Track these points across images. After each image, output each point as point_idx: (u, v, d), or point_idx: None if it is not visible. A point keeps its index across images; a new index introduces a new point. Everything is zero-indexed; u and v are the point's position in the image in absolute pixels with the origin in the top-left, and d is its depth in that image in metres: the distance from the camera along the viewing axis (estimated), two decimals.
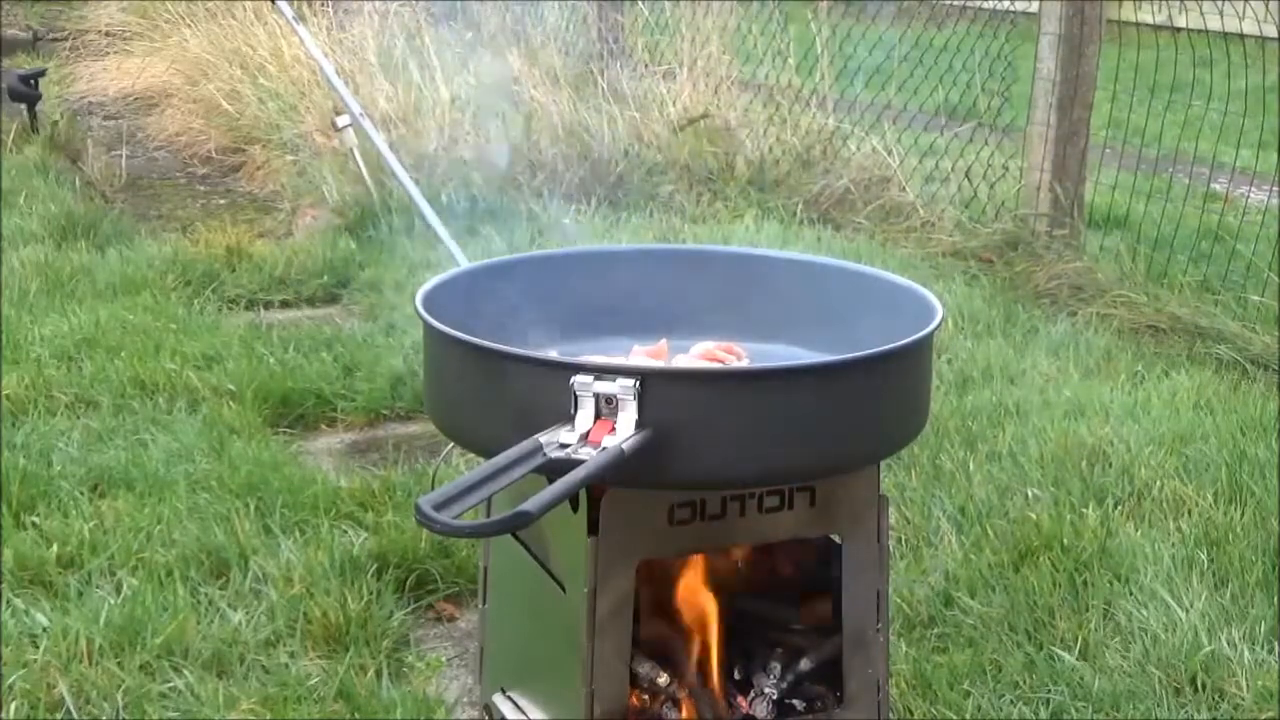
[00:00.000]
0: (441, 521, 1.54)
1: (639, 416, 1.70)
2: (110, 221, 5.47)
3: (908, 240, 5.30)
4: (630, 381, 1.70)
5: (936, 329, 1.92)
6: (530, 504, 1.56)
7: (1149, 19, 5.51)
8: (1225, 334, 4.36)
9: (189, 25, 7.98)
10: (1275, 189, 5.06)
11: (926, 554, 3.01)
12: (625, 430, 1.70)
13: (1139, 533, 3.07)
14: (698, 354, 2.11)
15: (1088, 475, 3.33)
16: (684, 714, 2.02)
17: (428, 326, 1.91)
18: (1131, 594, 2.83)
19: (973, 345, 4.23)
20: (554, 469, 1.67)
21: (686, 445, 1.72)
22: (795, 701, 2.06)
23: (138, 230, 5.53)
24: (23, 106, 6.91)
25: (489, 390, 1.82)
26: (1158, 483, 3.29)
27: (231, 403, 3.75)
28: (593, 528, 1.84)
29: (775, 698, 2.04)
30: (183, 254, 5.03)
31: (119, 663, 2.56)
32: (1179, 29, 5.15)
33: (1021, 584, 2.87)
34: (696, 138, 6.08)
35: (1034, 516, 3.11)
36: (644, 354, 2.10)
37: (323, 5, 7.14)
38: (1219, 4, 5.03)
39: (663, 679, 2.03)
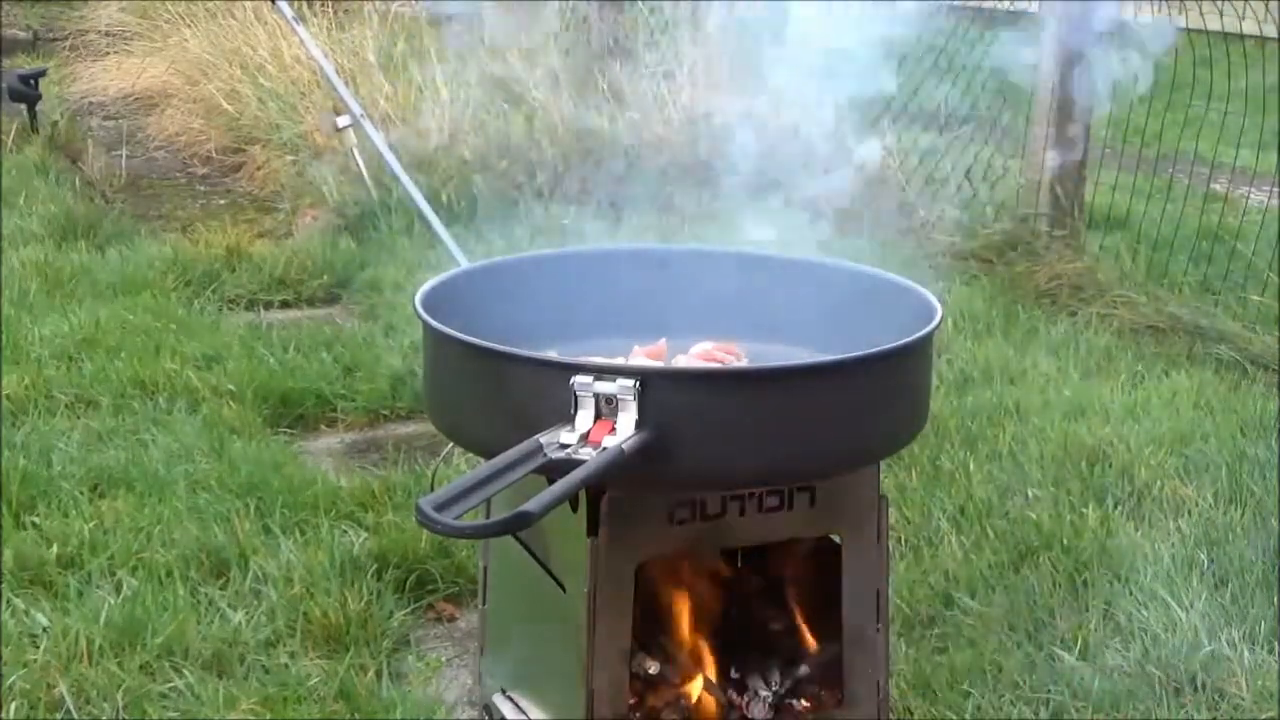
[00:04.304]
0: (442, 522, 1.54)
1: (639, 417, 1.70)
2: (110, 221, 5.46)
3: (908, 240, 5.30)
4: (630, 382, 1.70)
5: (936, 329, 1.92)
6: (531, 504, 1.56)
7: (1149, 19, 5.50)
8: (1225, 334, 4.36)
9: (189, 25, 7.97)
10: (1275, 189, 5.05)
11: (926, 554, 3.01)
12: (625, 430, 1.70)
13: (1139, 533, 3.07)
14: (697, 354, 2.11)
15: (1088, 475, 3.33)
16: (684, 714, 2.02)
17: (427, 326, 1.91)
18: (1131, 594, 2.82)
19: (973, 345, 4.23)
20: (554, 469, 1.67)
21: (686, 445, 1.73)
22: (796, 701, 2.06)
23: (138, 230, 5.53)
24: (23, 106, 6.90)
25: (489, 390, 1.82)
26: (1158, 483, 3.29)
27: (231, 403, 3.74)
28: (593, 528, 1.84)
29: (775, 698, 2.04)
30: (183, 254, 5.02)
31: (119, 663, 2.56)
32: (1179, 29, 5.14)
33: (1021, 584, 2.87)
34: (695, 138, 6.07)
35: (1034, 516, 3.11)
36: (644, 354, 2.10)
37: (323, 5, 7.14)
38: (1219, 4, 5.02)
39: (663, 679, 2.03)
